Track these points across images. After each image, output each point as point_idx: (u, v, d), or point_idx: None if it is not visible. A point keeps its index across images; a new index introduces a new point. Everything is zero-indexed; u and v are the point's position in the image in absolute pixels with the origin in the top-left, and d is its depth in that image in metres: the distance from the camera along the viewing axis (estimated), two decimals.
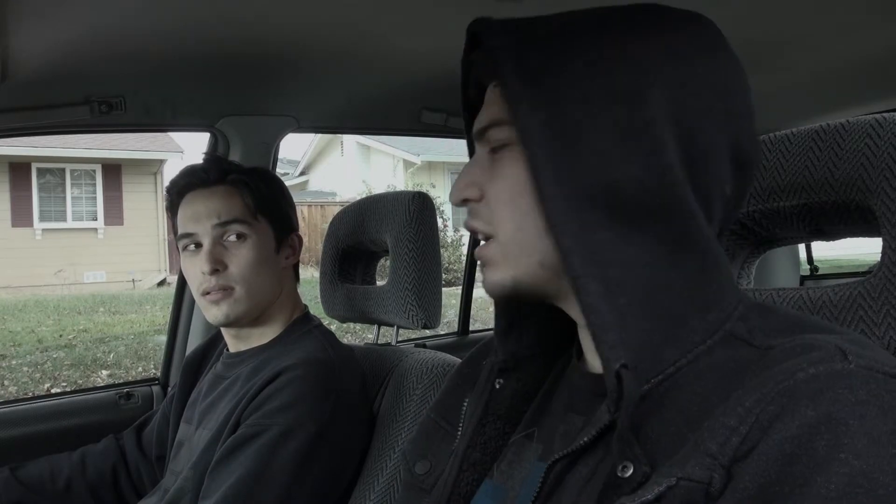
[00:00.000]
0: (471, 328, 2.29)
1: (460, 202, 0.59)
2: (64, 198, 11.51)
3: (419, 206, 1.18)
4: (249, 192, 1.09)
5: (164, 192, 1.16)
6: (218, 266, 1.05)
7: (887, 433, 0.41)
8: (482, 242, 0.59)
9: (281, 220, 1.14)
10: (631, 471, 0.47)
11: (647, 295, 0.51)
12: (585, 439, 0.52)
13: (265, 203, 1.10)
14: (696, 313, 0.51)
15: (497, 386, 0.65)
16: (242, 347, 1.13)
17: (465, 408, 0.69)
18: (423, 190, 1.33)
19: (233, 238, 1.07)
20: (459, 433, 0.67)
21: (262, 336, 1.11)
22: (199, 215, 1.06)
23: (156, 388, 1.63)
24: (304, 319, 1.14)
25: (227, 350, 1.16)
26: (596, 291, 0.49)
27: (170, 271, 11.02)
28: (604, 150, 0.50)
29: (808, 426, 0.41)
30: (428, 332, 2.23)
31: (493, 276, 0.58)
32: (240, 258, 1.06)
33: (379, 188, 10.83)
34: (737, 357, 0.49)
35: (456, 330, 2.29)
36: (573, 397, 0.60)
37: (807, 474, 0.40)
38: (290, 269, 1.17)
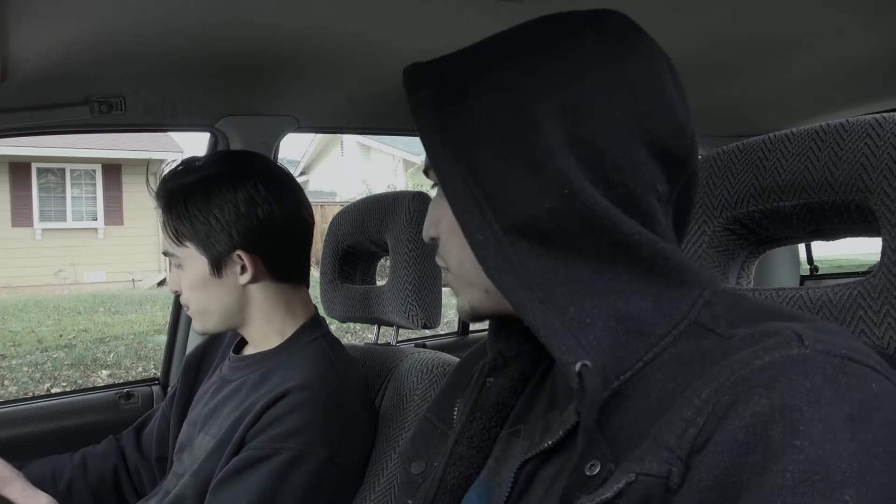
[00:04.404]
0: (471, 328, 2.29)
1: (429, 240, 0.64)
2: (64, 198, 11.52)
3: (419, 206, 1.18)
4: (169, 220, 1.04)
5: None
6: (175, 288, 1.09)
7: (843, 418, 0.41)
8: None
9: (208, 241, 1.02)
10: (598, 469, 0.47)
11: (599, 300, 0.52)
12: (552, 441, 0.53)
13: (184, 228, 1.03)
14: (655, 308, 0.52)
15: (487, 384, 0.66)
16: (250, 350, 1.12)
17: (456, 409, 0.70)
18: (423, 190, 1.33)
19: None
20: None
21: (266, 341, 1.09)
22: None
23: (156, 388, 1.63)
24: (312, 326, 1.10)
25: (233, 353, 1.14)
26: (541, 311, 0.51)
27: None
28: (516, 188, 0.52)
29: (762, 414, 0.42)
30: (428, 332, 2.23)
31: (457, 303, 0.63)
32: (183, 284, 1.07)
33: (379, 188, 10.84)
34: (700, 347, 0.49)
35: (456, 330, 2.29)
36: (555, 395, 0.60)
37: (762, 463, 0.40)
38: (257, 284, 1.05)
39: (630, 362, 0.51)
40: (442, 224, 0.62)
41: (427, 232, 0.64)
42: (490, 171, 0.53)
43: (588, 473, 0.47)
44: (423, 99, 0.57)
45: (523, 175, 0.52)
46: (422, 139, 0.57)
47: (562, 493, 0.48)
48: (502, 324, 0.66)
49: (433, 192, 0.66)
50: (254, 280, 1.05)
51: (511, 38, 0.58)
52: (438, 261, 0.64)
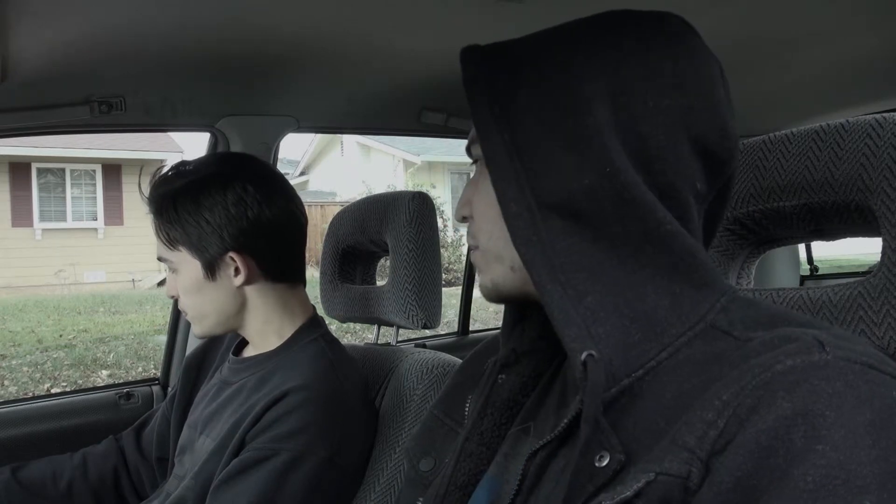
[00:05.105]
0: (471, 328, 2.29)
1: (461, 220, 0.65)
2: (64, 198, 11.52)
3: (419, 206, 1.18)
4: (161, 225, 1.04)
5: None
6: (173, 293, 1.09)
7: (864, 424, 0.41)
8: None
9: (200, 245, 1.02)
10: (607, 460, 0.47)
11: (617, 294, 0.52)
12: (558, 430, 0.53)
13: (176, 233, 1.03)
14: (672, 308, 0.52)
15: (499, 381, 0.66)
16: (249, 352, 1.12)
17: (468, 405, 0.70)
18: (423, 190, 1.33)
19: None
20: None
21: (265, 342, 1.09)
22: None
23: (156, 388, 1.63)
24: (311, 326, 1.10)
25: (233, 355, 1.14)
26: (559, 294, 0.52)
27: None
28: (558, 163, 0.53)
29: (784, 418, 0.42)
30: (428, 332, 2.23)
31: (480, 281, 0.64)
32: (179, 288, 1.07)
33: (379, 188, 10.84)
34: (716, 349, 0.50)
35: (456, 330, 2.29)
36: (566, 392, 0.61)
37: (784, 467, 0.41)
38: (253, 286, 1.05)
39: (642, 361, 0.51)
40: (475, 203, 0.63)
41: (460, 211, 0.65)
42: (534, 145, 0.54)
43: (597, 465, 0.47)
44: (477, 73, 0.58)
45: (567, 150, 0.53)
46: (472, 111, 0.58)
47: (569, 482, 0.48)
48: (517, 320, 0.67)
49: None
50: (248, 282, 1.05)
51: (569, 26, 0.59)
52: (469, 239, 0.65)
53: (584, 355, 0.49)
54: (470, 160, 0.67)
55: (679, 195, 0.55)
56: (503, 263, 0.60)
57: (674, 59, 0.55)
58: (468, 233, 0.65)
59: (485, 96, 0.57)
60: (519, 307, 0.67)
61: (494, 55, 0.59)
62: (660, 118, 0.53)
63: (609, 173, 0.52)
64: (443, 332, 2.30)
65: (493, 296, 0.63)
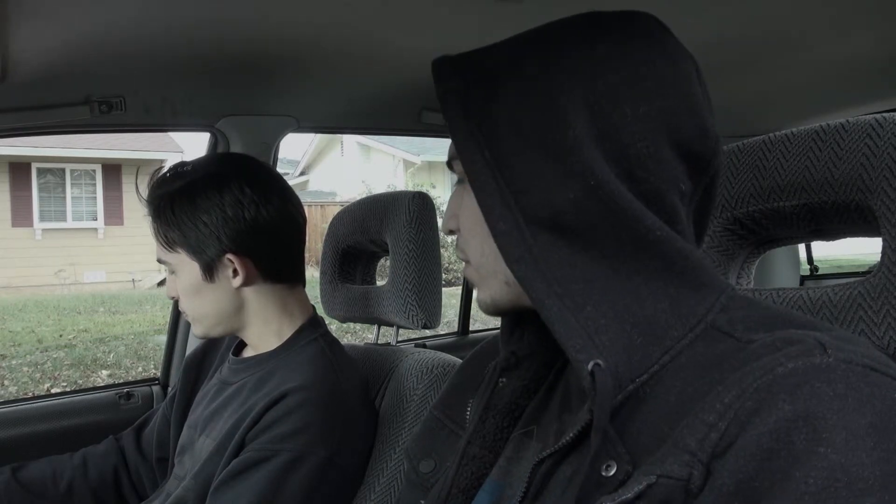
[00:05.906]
0: (471, 328, 2.29)
1: (448, 233, 0.65)
2: (64, 198, 11.52)
3: (419, 206, 1.18)
4: (159, 227, 1.04)
5: None
6: (173, 294, 1.09)
7: (865, 426, 0.41)
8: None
9: (198, 247, 1.02)
10: (614, 469, 0.47)
11: (615, 301, 0.52)
12: (566, 439, 0.53)
13: (174, 235, 1.03)
14: (671, 310, 0.52)
15: (500, 384, 0.65)
16: (249, 352, 1.12)
17: (469, 409, 0.70)
18: (423, 190, 1.33)
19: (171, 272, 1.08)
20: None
21: (264, 343, 1.09)
22: None
23: (156, 388, 1.63)
24: (310, 326, 1.10)
25: (232, 355, 1.14)
26: (558, 307, 0.51)
27: None
28: (542, 178, 0.53)
29: (785, 421, 0.42)
30: (428, 332, 2.23)
31: (478, 296, 0.64)
32: (178, 290, 1.07)
33: (379, 188, 10.83)
34: (717, 351, 0.50)
35: (456, 330, 2.29)
36: (569, 396, 0.60)
37: (785, 469, 0.40)
38: (251, 287, 1.05)
39: (646, 365, 0.51)
40: (461, 217, 0.62)
41: (446, 224, 0.64)
42: (516, 161, 0.54)
43: (604, 474, 0.47)
44: (451, 88, 0.57)
45: (549, 165, 0.53)
46: (449, 128, 0.57)
47: (578, 492, 0.48)
48: (516, 323, 0.66)
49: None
50: (247, 283, 1.04)
51: (540, 33, 0.58)
52: (459, 254, 0.64)
53: (590, 365, 0.49)
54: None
55: (665, 199, 0.54)
56: (497, 279, 0.60)
57: (651, 61, 0.54)
58: (457, 246, 0.64)
59: (460, 112, 0.56)
60: (517, 311, 0.67)
61: (466, 68, 0.58)
62: (640, 125, 0.53)
63: (593, 185, 0.52)
64: (443, 332, 2.30)
65: (491, 311, 0.63)
